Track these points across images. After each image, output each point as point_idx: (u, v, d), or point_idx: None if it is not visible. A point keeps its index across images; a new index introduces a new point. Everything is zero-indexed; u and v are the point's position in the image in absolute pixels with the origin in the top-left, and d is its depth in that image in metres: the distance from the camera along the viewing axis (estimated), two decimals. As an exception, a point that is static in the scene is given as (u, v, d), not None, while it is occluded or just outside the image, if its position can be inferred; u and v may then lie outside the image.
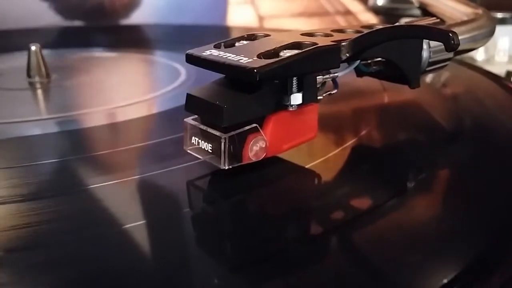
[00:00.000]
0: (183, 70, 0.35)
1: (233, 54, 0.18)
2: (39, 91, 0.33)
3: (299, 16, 0.66)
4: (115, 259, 0.15)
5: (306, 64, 0.18)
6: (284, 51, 0.18)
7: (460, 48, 0.25)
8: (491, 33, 0.28)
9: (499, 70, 0.39)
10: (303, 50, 0.18)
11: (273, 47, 0.18)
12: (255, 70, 0.17)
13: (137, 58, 0.43)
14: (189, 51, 0.19)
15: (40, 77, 0.34)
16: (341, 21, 0.66)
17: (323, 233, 0.17)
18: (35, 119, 0.27)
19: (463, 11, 0.32)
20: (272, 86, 0.18)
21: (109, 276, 0.14)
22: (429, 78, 0.33)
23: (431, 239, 0.16)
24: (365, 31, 0.20)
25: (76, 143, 0.25)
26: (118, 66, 0.40)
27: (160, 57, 0.43)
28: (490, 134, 0.25)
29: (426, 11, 0.43)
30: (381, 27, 0.20)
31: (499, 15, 0.45)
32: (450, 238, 0.16)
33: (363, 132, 0.24)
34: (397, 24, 0.21)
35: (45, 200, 0.18)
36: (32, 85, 0.34)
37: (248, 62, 0.17)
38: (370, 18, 0.59)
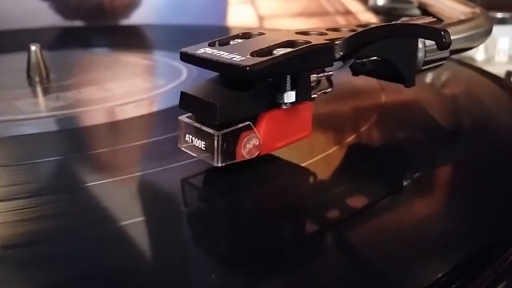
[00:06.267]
0: (181, 70, 0.35)
1: (226, 52, 0.18)
2: (39, 91, 0.33)
3: (299, 16, 0.66)
4: (111, 256, 0.15)
5: (299, 62, 0.18)
6: (278, 49, 0.18)
7: (456, 47, 0.25)
8: (488, 32, 0.28)
9: (499, 70, 0.39)
10: (296, 48, 0.18)
11: (267, 46, 0.18)
12: (248, 68, 0.17)
13: (137, 58, 0.43)
14: (184, 49, 0.19)
15: (40, 77, 0.34)
16: (341, 21, 0.66)
17: (318, 232, 0.17)
18: (35, 118, 0.27)
19: (461, 11, 0.32)
20: (266, 84, 0.18)
21: (106, 274, 0.14)
22: (428, 78, 0.33)
23: (428, 237, 0.16)
24: (360, 30, 0.20)
25: (75, 142, 0.25)
26: (118, 66, 0.40)
27: (159, 57, 0.43)
28: (489, 134, 0.25)
29: (425, 11, 0.43)
30: (374, 25, 0.20)
31: (499, 15, 0.45)
32: (448, 237, 0.16)
33: (360, 131, 0.24)
34: (390, 22, 0.21)
35: (43, 198, 0.18)
36: (32, 85, 0.34)
37: (241, 60, 0.17)
38: (370, 18, 0.59)
